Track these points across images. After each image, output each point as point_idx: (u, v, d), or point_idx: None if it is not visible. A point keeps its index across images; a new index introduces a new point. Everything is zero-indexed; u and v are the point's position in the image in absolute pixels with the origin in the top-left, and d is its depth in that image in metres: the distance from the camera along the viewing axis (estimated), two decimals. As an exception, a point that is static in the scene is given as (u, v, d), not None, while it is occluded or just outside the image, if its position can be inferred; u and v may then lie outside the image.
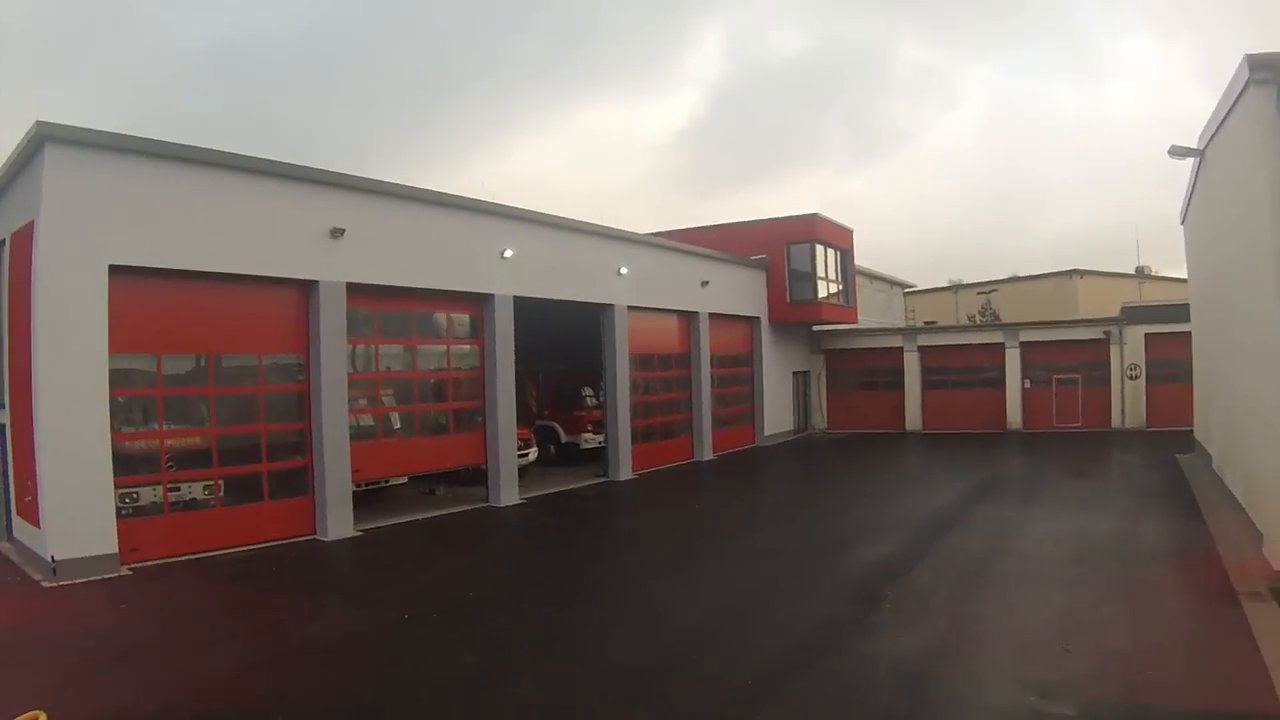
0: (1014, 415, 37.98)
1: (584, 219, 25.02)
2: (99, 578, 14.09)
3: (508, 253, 21.74)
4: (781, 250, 36.04)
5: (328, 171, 18.01)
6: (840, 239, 38.40)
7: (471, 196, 21.22)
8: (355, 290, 18.36)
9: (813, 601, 13.01)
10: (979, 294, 62.78)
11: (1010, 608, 12.22)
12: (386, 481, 21.50)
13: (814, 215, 36.33)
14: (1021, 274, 64.80)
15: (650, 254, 28.31)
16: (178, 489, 16.02)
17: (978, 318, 59.88)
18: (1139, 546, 15.57)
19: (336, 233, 17.81)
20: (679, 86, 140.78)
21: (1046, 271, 61.81)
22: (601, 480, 26.01)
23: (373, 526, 18.69)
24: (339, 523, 17.83)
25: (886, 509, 20.81)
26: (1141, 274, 59.99)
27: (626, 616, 12.61)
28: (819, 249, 36.33)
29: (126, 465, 15.15)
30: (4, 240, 16.07)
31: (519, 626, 12.03)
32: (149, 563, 15.01)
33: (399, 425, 20.77)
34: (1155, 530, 16.78)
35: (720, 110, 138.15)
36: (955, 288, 67.17)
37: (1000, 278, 65.12)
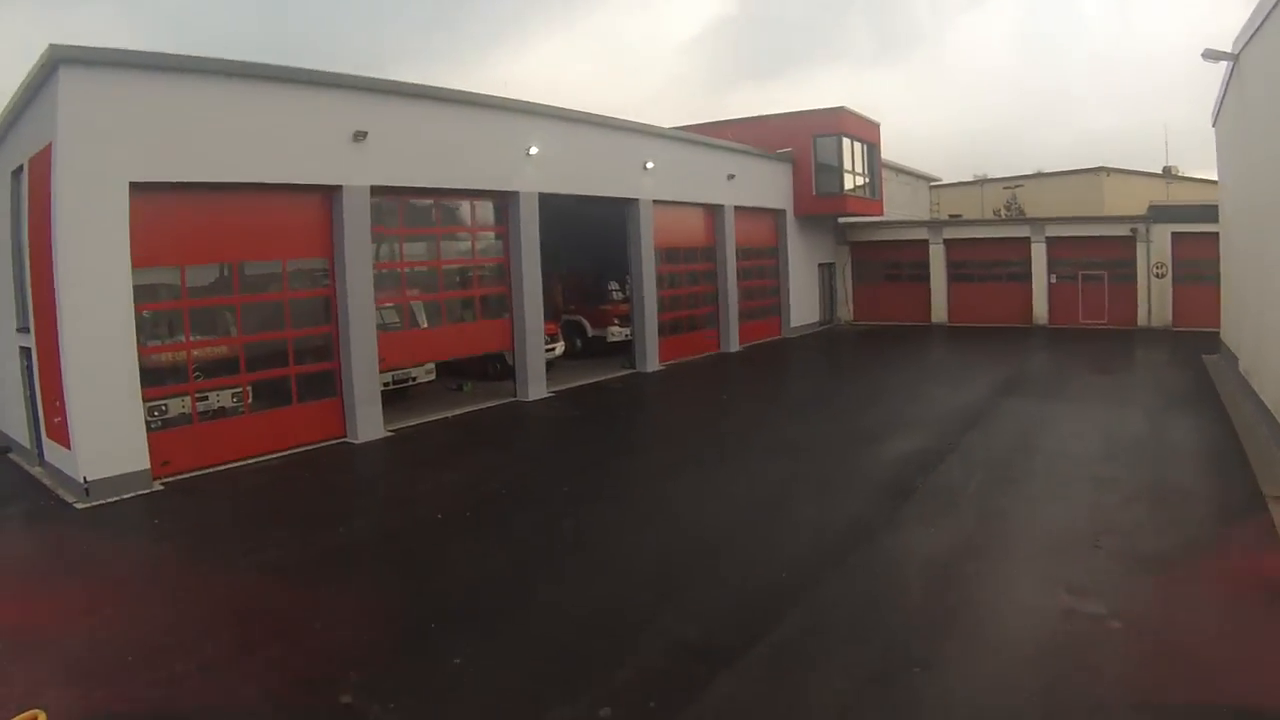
0: (1040, 310, 37.58)
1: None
2: (132, 495, 14.15)
3: (532, 149, 21.48)
4: (808, 144, 35.44)
5: (347, 75, 17.69)
6: (867, 132, 37.76)
7: (494, 94, 20.90)
8: (379, 192, 18.28)
9: (842, 496, 13.16)
10: (1005, 188, 61.68)
11: (1038, 504, 12.30)
12: (414, 379, 21.47)
13: (840, 108, 35.64)
14: (1047, 170, 63.65)
15: (675, 148, 27.88)
16: (206, 398, 16.09)
17: (1003, 212, 58.98)
18: (1166, 446, 15.52)
19: (359, 136, 17.59)
20: None
21: (1073, 168, 60.61)
22: (628, 372, 26.13)
23: (403, 426, 18.85)
24: (369, 424, 18.00)
25: (913, 402, 20.76)
26: (1169, 174, 58.81)
27: (655, 513, 12.76)
28: (845, 142, 35.71)
29: (154, 378, 15.12)
30: (23, 166, 15.82)
31: (549, 524, 12.21)
32: (181, 475, 15.12)
33: (425, 317, 20.78)
34: (1182, 430, 16.73)
35: (744, 6, 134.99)
36: (980, 182, 66.01)
37: (1021, 173, 63.97)
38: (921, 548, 10.67)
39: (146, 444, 14.62)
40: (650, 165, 25.86)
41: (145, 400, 14.75)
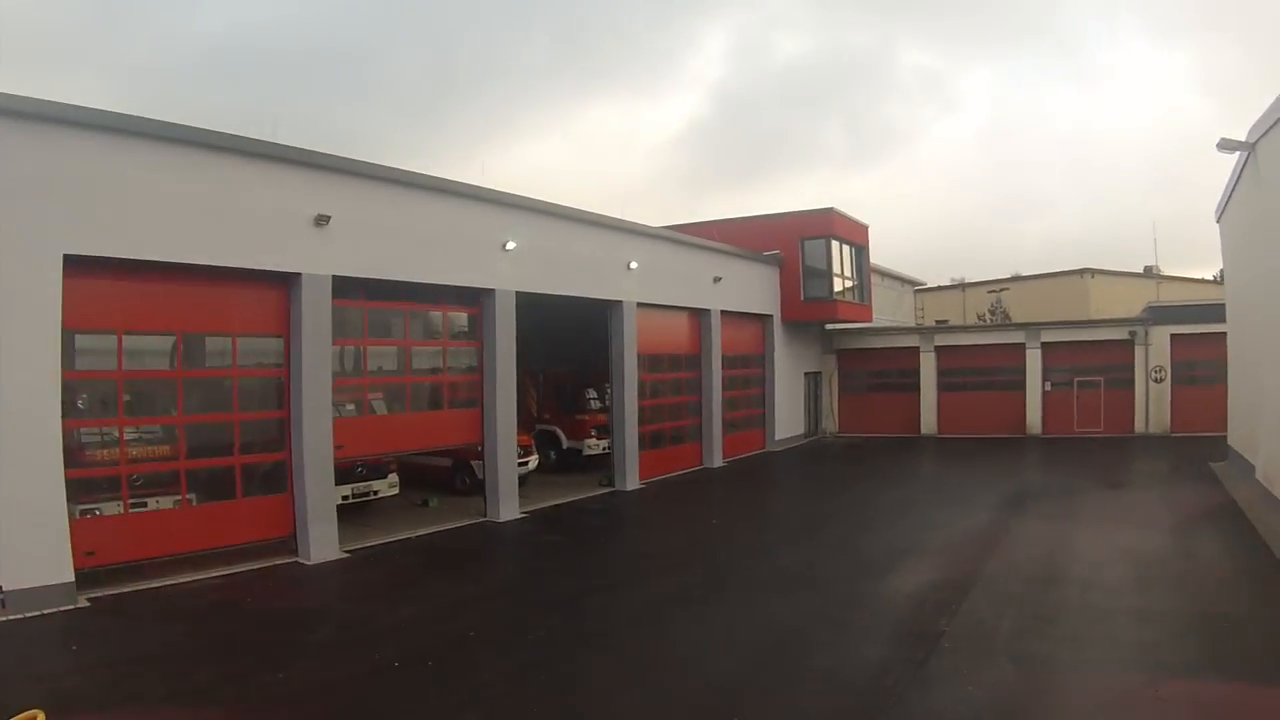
0: (1034, 419, 36.48)
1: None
2: (55, 610, 12.33)
3: (510, 244, 19.93)
4: (795, 246, 34.30)
5: (312, 152, 16.14)
6: (855, 235, 36.72)
7: (470, 183, 19.42)
8: (343, 287, 16.62)
9: (860, 641, 11.46)
10: (990, 292, 61.37)
11: (1081, 647, 10.76)
12: (375, 493, 19.78)
13: (829, 210, 34.62)
14: (1024, 273, 63.41)
15: (661, 248, 26.52)
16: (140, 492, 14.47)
17: (988, 317, 58.53)
18: (1200, 569, 14.54)
19: (321, 220, 15.98)
20: (682, 88, 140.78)
21: (1057, 270, 60.18)
22: (607, 490, 24.27)
23: (360, 547, 16.95)
24: (322, 543, 16.06)
25: (919, 525, 19.16)
26: (1150, 273, 58.54)
27: (649, 664, 10.87)
28: (834, 245, 34.65)
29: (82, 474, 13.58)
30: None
31: (525, 676, 10.34)
32: (109, 591, 13.25)
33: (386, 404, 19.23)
34: (1212, 549, 15.89)
35: (722, 111, 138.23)
36: (962, 286, 65.61)
37: (999, 277, 64.10)
38: (961, 712, 8.95)
39: (71, 552, 12.77)
40: (634, 265, 24.42)
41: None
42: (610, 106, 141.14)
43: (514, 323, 20.34)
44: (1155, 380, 34.87)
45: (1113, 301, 47.74)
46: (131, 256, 13.58)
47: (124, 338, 14.11)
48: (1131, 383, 35.34)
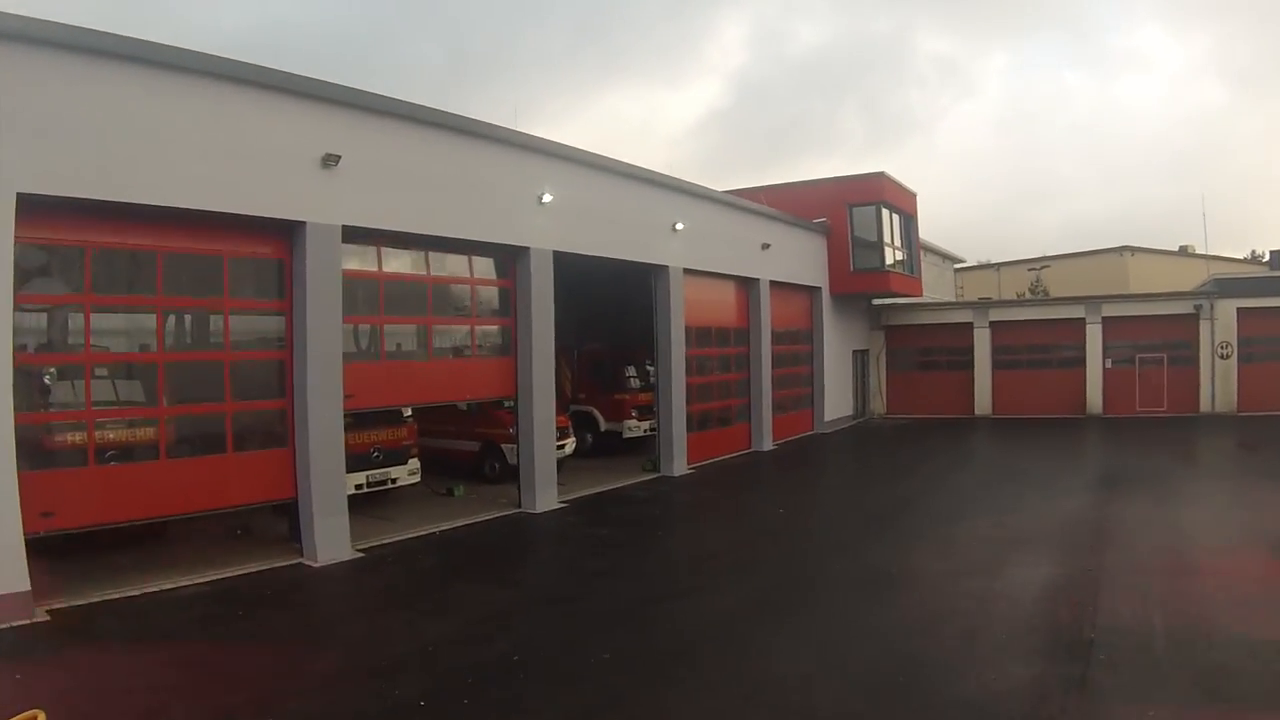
0: (1094, 398, 34.24)
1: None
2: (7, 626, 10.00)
3: (546, 197, 17.47)
4: (843, 213, 31.71)
5: (318, 82, 13.64)
6: (905, 202, 34.18)
7: (503, 126, 16.91)
8: (352, 235, 14.21)
9: (995, 657, 9.16)
10: (1030, 270, 58.97)
11: (1261, 657, 8.68)
12: (393, 480, 17.32)
13: (880, 174, 32.09)
14: (1049, 254, 61.05)
15: (708, 209, 23.96)
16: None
17: (1028, 295, 55.98)
18: None
19: (329, 161, 13.50)
20: (700, 76, 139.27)
21: (1094, 248, 57.92)
22: (653, 476, 21.86)
23: (376, 544, 14.55)
24: (331, 540, 13.66)
25: (1008, 512, 16.83)
26: (1184, 252, 56.07)
27: (739, 696, 8.38)
28: (885, 212, 32.06)
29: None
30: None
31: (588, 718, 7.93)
32: (69, 601, 10.92)
33: (405, 345, 16.94)
34: None
35: (740, 99, 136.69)
36: (997, 266, 63.27)
37: (1026, 258, 61.95)
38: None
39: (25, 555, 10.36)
40: (680, 226, 21.93)
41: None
42: (629, 94, 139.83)
43: (551, 287, 17.91)
44: (1221, 356, 32.85)
45: (1153, 279, 45.66)
46: (103, 198, 11.21)
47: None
48: (1196, 359, 33.34)
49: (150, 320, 12.61)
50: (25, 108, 10.38)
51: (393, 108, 14.78)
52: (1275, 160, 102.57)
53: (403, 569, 13.49)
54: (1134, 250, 55.23)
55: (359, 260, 14.85)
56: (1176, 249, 56.65)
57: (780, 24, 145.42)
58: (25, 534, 10.33)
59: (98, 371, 12.14)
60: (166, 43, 11.78)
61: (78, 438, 11.66)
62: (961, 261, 56.49)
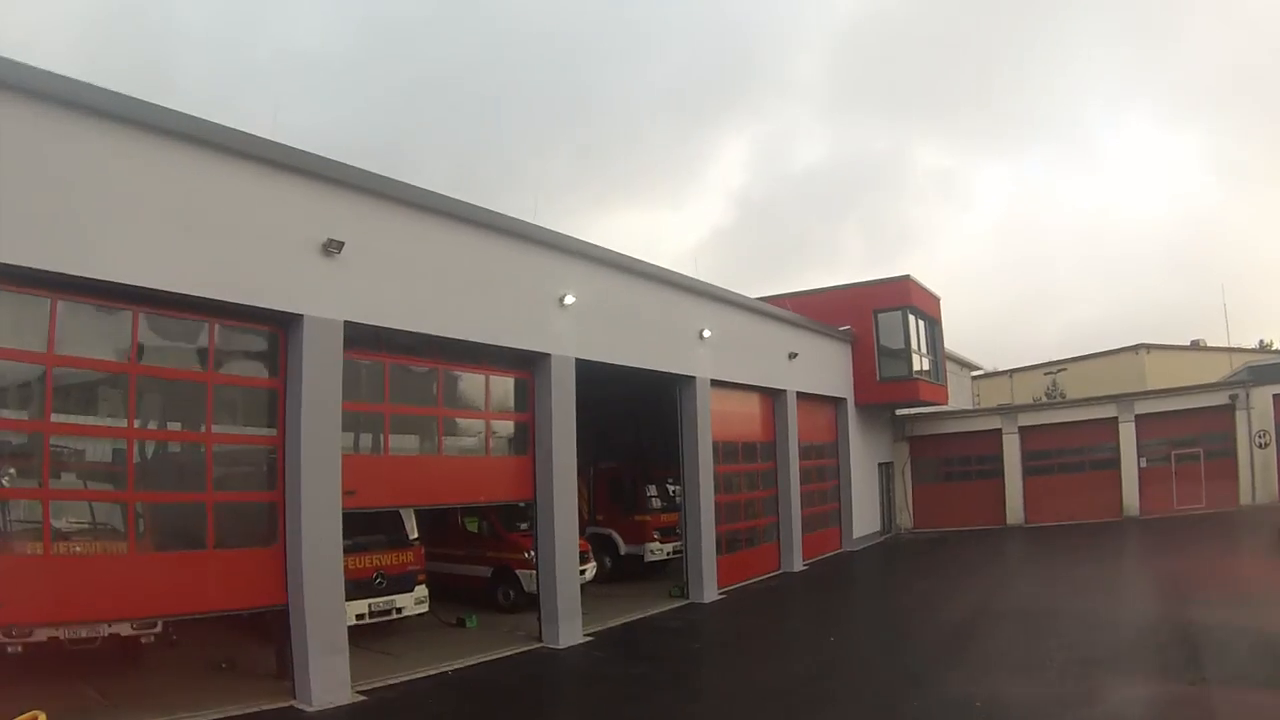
0: (1130, 499, 32.76)
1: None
2: None
3: (568, 299, 16.14)
4: (868, 320, 30.58)
5: (322, 159, 12.31)
6: (930, 307, 33.07)
7: (521, 219, 15.64)
8: (354, 333, 12.71)
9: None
10: (1046, 374, 57.96)
11: None
12: (399, 610, 15.60)
13: (906, 277, 31.03)
14: (1055, 358, 60.22)
15: (734, 316, 22.69)
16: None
17: (1044, 399, 54.78)
18: None
19: (332, 248, 12.15)
20: (703, 196, 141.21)
21: (1109, 349, 56.73)
22: (682, 603, 19.98)
23: (380, 685, 12.74)
24: (328, 682, 11.84)
25: (1079, 631, 15.20)
26: (1196, 346, 55.16)
27: None
28: (911, 318, 30.87)
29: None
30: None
31: None
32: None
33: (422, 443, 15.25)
34: None
35: (743, 218, 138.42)
36: (1010, 373, 62.25)
37: (1022, 365, 61.83)
38: None
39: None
40: (708, 334, 20.58)
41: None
42: (634, 215, 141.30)
43: (573, 397, 16.46)
44: (1260, 446, 31.51)
45: (1173, 375, 44.32)
46: (70, 272, 9.73)
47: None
48: (1233, 451, 31.98)
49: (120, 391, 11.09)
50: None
51: (404, 194, 13.49)
52: (1268, 249, 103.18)
53: (410, 717, 11.66)
54: (1149, 348, 54.10)
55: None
56: (1189, 343, 55.71)
57: (780, 145, 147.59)
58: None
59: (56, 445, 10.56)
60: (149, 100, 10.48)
61: (31, 519, 10.15)
62: (978, 369, 55.31)
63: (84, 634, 11.22)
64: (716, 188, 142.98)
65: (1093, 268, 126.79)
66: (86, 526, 10.94)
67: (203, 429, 11.54)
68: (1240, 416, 31.74)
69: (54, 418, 10.19)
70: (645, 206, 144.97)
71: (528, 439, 16.29)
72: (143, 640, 12.11)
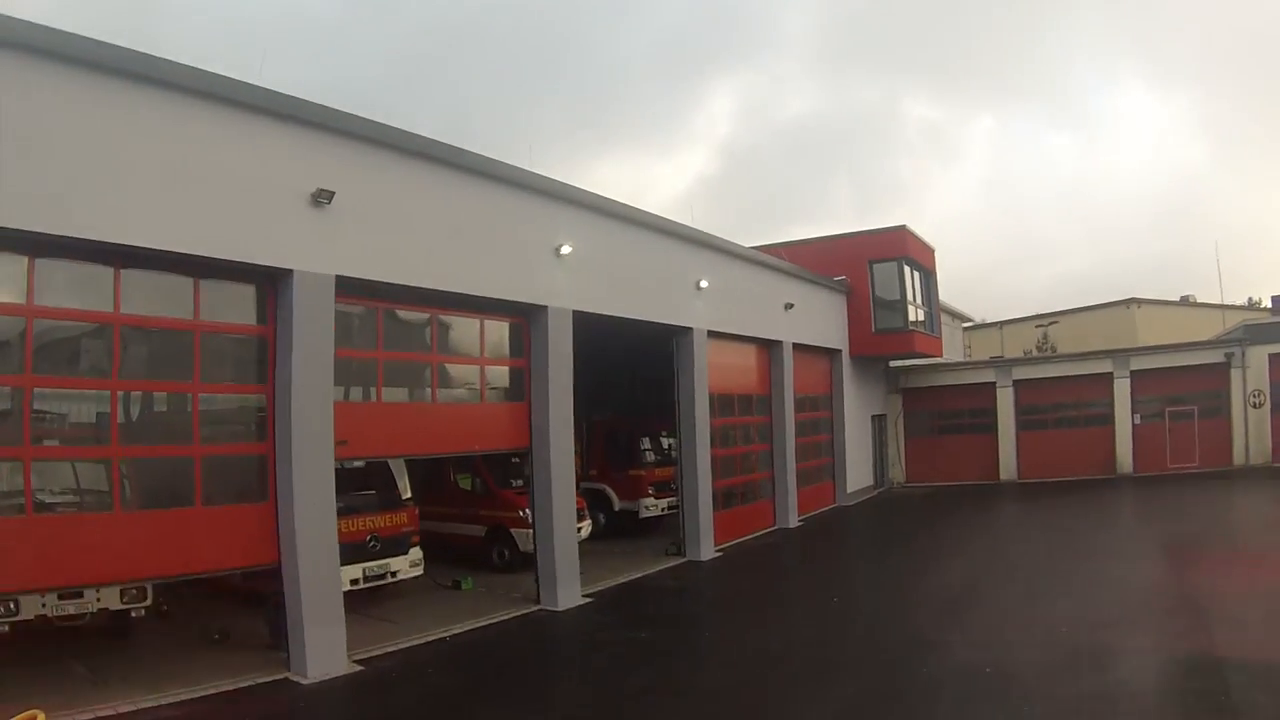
0: (1124, 457, 32.61)
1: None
2: None
3: (564, 249, 15.54)
4: (863, 271, 30.04)
5: (309, 104, 11.60)
6: (925, 258, 32.54)
7: (517, 166, 14.96)
8: (346, 286, 12.14)
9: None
10: (1037, 326, 57.52)
11: None
12: (394, 573, 15.11)
13: (902, 228, 30.46)
14: (1044, 311, 59.91)
15: (731, 266, 22.10)
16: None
17: (1034, 353, 54.46)
18: None
19: (321, 197, 11.51)
20: (690, 146, 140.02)
21: (1099, 302, 56.52)
22: (679, 561, 19.59)
23: (377, 653, 12.31)
24: (324, 653, 11.42)
25: (1088, 593, 15.05)
26: (1185, 302, 54.99)
27: None
28: (907, 269, 30.37)
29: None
30: None
31: None
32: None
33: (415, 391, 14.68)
34: None
35: (729, 168, 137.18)
36: (1000, 324, 61.85)
37: (1015, 317, 61.27)
38: None
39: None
40: (704, 285, 20.02)
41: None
42: (621, 163, 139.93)
43: (570, 351, 15.93)
44: (1254, 406, 31.32)
45: (1163, 331, 44.31)
46: (49, 231, 9.22)
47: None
48: (1228, 410, 31.85)
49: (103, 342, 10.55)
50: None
51: (396, 139, 12.79)
52: (1254, 214, 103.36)
53: (411, 689, 11.21)
54: (1140, 302, 53.89)
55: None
56: (1179, 299, 55.54)
57: (768, 95, 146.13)
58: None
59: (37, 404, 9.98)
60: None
61: (12, 480, 9.64)
62: (969, 320, 54.92)
63: (71, 610, 10.82)
64: (704, 137, 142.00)
65: (1080, 222, 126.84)
66: (70, 486, 10.43)
67: (190, 380, 11.05)
68: (1235, 375, 31.55)
69: (35, 372, 9.69)
70: (633, 154, 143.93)
71: (523, 386, 15.81)
72: (133, 614, 11.64)
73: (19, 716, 6.09)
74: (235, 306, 11.60)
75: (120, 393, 10.72)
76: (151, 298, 10.70)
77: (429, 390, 14.56)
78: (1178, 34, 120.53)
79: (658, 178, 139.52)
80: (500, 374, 15.92)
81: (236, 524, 11.30)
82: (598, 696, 11.20)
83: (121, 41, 9.63)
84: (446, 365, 15.02)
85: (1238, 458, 31.37)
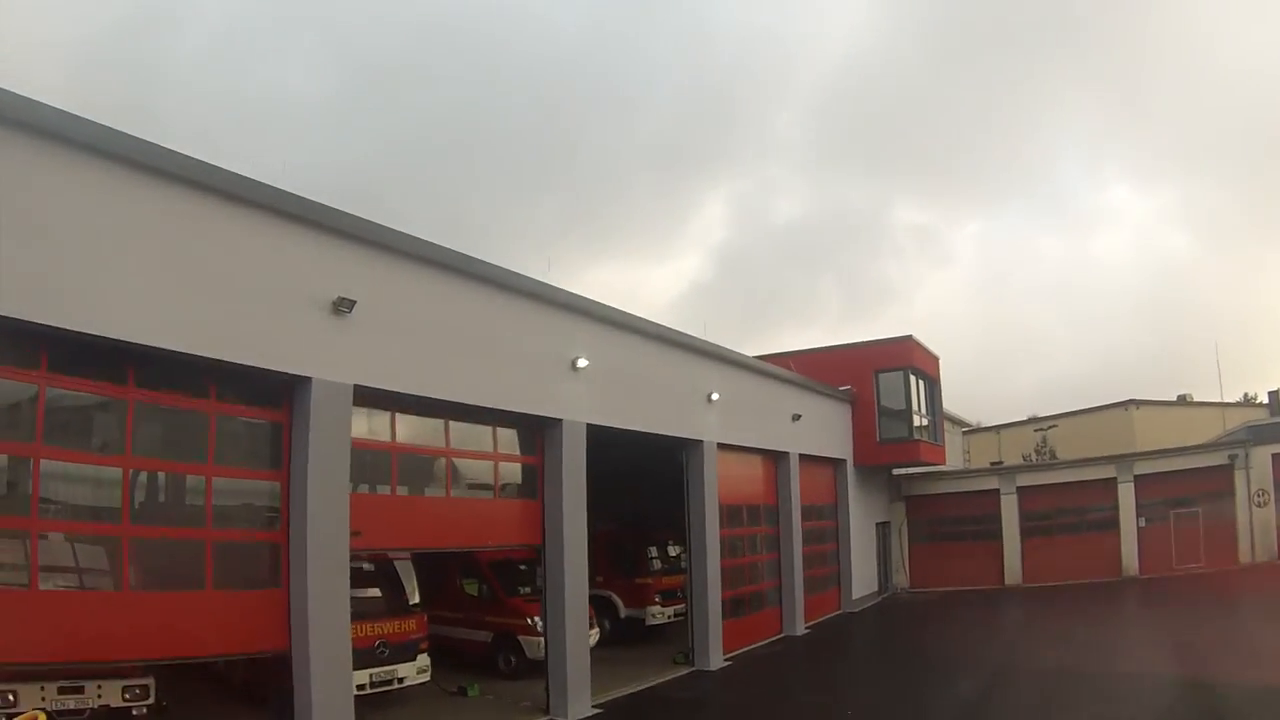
0: (1129, 560, 32.65)
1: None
2: None
3: (581, 362, 15.85)
4: (868, 380, 30.43)
5: (331, 210, 11.87)
6: (929, 366, 32.93)
7: (534, 278, 15.38)
8: (365, 397, 12.32)
9: None
10: (1036, 430, 57.69)
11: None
12: (400, 679, 15.07)
13: (908, 338, 30.99)
14: (1039, 414, 60.48)
15: (740, 377, 22.48)
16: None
17: (1034, 457, 54.64)
18: None
19: (343, 305, 11.77)
20: (685, 251, 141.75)
21: (1098, 404, 56.71)
22: (687, 671, 19.50)
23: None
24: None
25: (1109, 700, 15.12)
26: (1183, 401, 55.31)
27: None
28: (912, 378, 30.74)
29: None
30: None
31: None
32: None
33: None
34: None
35: (723, 272, 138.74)
36: (998, 429, 61.97)
37: (1005, 422, 61.55)
38: None
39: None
40: (715, 397, 20.34)
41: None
42: (616, 268, 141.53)
43: (584, 465, 16.19)
44: (1259, 505, 31.46)
45: (1163, 432, 44.47)
46: (56, 324, 9.05)
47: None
48: (1232, 510, 31.99)
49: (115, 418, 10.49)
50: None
51: (416, 249, 13.07)
52: (1242, 304, 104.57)
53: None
54: (1139, 404, 54.17)
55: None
56: (1176, 398, 55.83)
57: (761, 202, 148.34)
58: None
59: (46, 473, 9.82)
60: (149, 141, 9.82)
61: (17, 553, 9.55)
62: (967, 425, 55.11)
63: (71, 705, 10.74)
64: (698, 242, 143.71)
65: (1072, 321, 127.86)
66: (76, 562, 10.30)
67: (204, 463, 11.13)
68: (1240, 476, 31.73)
69: (45, 443, 9.63)
70: (629, 260, 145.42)
71: (536, 483, 15.97)
72: (134, 713, 11.62)
73: (21, 717, 6.44)
74: (252, 394, 11.70)
75: (132, 471, 10.69)
76: (167, 375, 10.68)
77: (443, 484, 14.71)
78: (1161, 128, 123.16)
79: (652, 282, 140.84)
80: (513, 470, 16.08)
81: (247, 608, 11.31)
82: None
83: (127, 120, 9.67)
84: (459, 461, 15.11)
85: (1243, 556, 31.43)
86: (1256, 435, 32.27)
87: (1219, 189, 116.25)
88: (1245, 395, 56.30)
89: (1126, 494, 32.77)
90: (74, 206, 9.23)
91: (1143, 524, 32.74)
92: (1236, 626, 20.64)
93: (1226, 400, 51.49)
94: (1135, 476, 32.79)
